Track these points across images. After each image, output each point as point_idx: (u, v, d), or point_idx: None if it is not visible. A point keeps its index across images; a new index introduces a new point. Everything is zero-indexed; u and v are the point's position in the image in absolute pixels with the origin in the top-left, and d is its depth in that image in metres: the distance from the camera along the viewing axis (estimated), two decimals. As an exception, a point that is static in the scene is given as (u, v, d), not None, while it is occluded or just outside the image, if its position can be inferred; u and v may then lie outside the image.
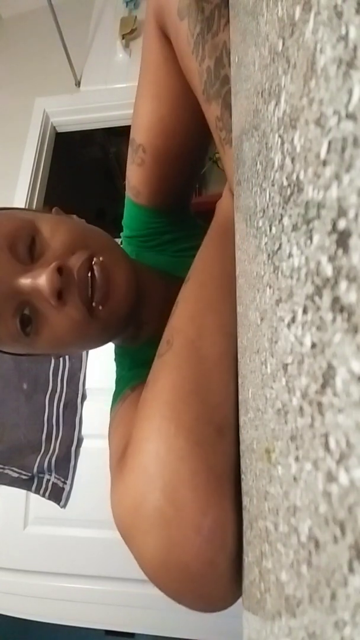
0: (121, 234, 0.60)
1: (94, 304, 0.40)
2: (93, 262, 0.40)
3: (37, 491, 1.08)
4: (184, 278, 0.37)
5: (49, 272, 0.37)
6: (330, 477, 0.09)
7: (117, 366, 0.52)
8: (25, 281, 0.38)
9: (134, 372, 0.47)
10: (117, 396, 0.46)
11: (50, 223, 0.42)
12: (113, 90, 1.64)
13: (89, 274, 0.40)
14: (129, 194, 0.54)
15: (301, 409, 0.11)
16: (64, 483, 1.07)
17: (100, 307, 0.40)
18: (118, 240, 0.54)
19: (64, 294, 0.38)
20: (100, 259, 0.40)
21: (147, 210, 0.54)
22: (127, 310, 0.43)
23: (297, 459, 0.12)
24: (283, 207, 0.13)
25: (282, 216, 0.14)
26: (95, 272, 0.40)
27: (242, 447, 0.24)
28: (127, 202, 0.56)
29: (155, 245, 0.57)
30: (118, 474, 0.28)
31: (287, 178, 0.13)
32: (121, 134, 1.64)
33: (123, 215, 0.58)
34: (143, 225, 0.56)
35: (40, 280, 0.37)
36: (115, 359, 0.53)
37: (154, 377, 0.31)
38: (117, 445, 0.35)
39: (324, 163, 0.09)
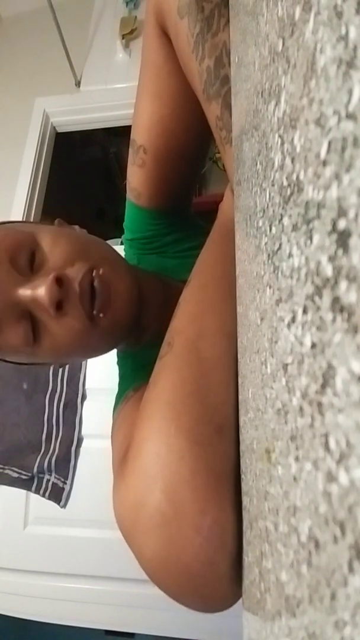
0: (122, 237, 0.60)
1: (94, 312, 0.40)
2: (93, 274, 0.40)
3: (37, 491, 1.08)
4: (186, 280, 0.37)
5: (48, 283, 0.37)
6: (330, 477, 0.09)
7: (120, 368, 0.52)
8: (24, 292, 0.38)
9: (136, 374, 0.47)
10: (120, 397, 0.46)
11: (50, 235, 0.42)
12: (113, 90, 1.64)
13: (91, 286, 0.40)
14: (129, 196, 0.54)
15: (301, 409, 0.11)
16: (64, 483, 1.07)
17: (101, 315, 0.40)
18: (118, 241, 0.54)
19: (64, 304, 0.38)
20: (101, 271, 0.40)
21: (148, 211, 0.54)
22: (128, 320, 0.43)
23: (297, 459, 0.12)
24: (283, 207, 0.13)
25: (282, 216, 0.14)
26: (95, 283, 0.40)
27: (242, 447, 0.24)
28: (128, 205, 0.56)
29: (157, 246, 0.57)
30: (120, 474, 0.29)
31: (287, 178, 0.13)
32: (121, 134, 1.64)
33: (123, 215, 0.58)
34: (144, 227, 0.56)
35: (39, 291, 0.37)
36: (118, 362, 0.53)
37: (155, 379, 0.31)
38: (120, 446, 0.35)
39: (324, 163, 0.09)
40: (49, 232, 0.42)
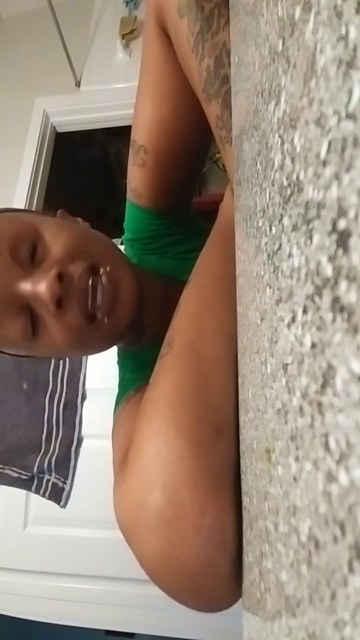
0: (122, 237, 0.60)
1: (99, 315, 0.40)
2: (100, 272, 0.40)
3: (37, 491, 1.08)
4: (186, 281, 0.37)
5: (49, 279, 0.37)
6: (330, 477, 0.09)
7: (120, 369, 0.52)
8: (25, 286, 0.38)
9: (137, 374, 0.47)
10: (120, 398, 0.46)
11: (52, 228, 0.41)
12: (113, 90, 1.64)
13: (90, 283, 0.40)
14: (130, 196, 0.54)
15: (301, 409, 0.11)
16: (64, 483, 1.07)
17: (105, 320, 0.40)
18: (118, 241, 0.54)
19: (64, 301, 0.38)
20: (108, 269, 0.40)
21: (148, 212, 0.54)
22: (129, 322, 0.43)
23: (297, 459, 0.12)
24: (283, 207, 0.13)
25: (282, 216, 0.14)
26: (103, 283, 0.40)
27: (242, 447, 0.24)
28: (128, 205, 0.56)
29: (157, 247, 0.57)
30: (120, 474, 0.29)
31: (287, 178, 0.13)
32: (121, 134, 1.64)
33: (123, 215, 0.58)
34: (145, 227, 0.56)
35: (41, 287, 0.37)
36: (118, 362, 0.53)
37: (155, 379, 0.31)
38: (120, 446, 0.35)
39: (324, 163, 0.09)
40: (51, 224, 0.42)
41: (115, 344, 0.49)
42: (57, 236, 0.41)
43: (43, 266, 0.39)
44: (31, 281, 0.38)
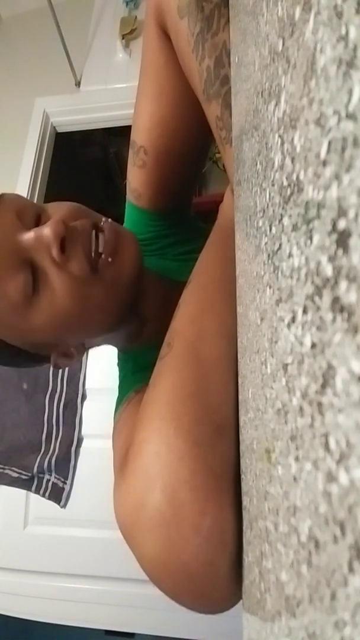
0: None
1: (102, 256, 0.40)
2: (101, 223, 0.41)
3: (37, 491, 1.08)
4: (186, 282, 0.37)
5: (54, 222, 0.38)
6: (330, 477, 0.09)
7: (120, 371, 0.52)
8: (28, 235, 0.38)
9: (137, 376, 0.46)
10: (121, 400, 0.45)
11: (54, 203, 0.43)
12: (113, 90, 1.64)
13: (94, 233, 0.40)
14: (129, 197, 0.54)
15: (301, 409, 0.11)
16: (64, 483, 1.07)
17: (109, 259, 0.40)
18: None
19: (67, 247, 0.38)
20: (109, 220, 0.42)
21: (148, 213, 0.54)
22: (133, 277, 0.42)
23: (297, 459, 0.12)
24: (283, 207, 0.13)
25: (282, 216, 0.14)
26: (105, 228, 0.40)
27: (242, 447, 0.24)
28: (128, 206, 0.55)
29: (156, 249, 0.57)
30: (120, 475, 0.29)
31: (287, 178, 0.13)
32: (121, 134, 1.64)
33: (123, 215, 0.58)
34: (144, 228, 0.56)
35: (45, 230, 0.37)
36: (118, 364, 0.53)
37: (155, 380, 0.31)
38: (121, 447, 0.35)
39: (324, 163, 0.09)
40: (53, 203, 0.44)
41: (117, 319, 0.46)
42: (59, 206, 0.42)
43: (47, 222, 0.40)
44: (34, 231, 0.38)
